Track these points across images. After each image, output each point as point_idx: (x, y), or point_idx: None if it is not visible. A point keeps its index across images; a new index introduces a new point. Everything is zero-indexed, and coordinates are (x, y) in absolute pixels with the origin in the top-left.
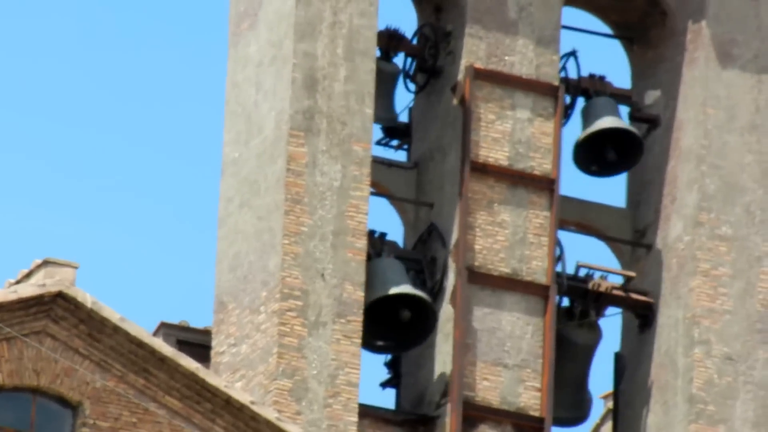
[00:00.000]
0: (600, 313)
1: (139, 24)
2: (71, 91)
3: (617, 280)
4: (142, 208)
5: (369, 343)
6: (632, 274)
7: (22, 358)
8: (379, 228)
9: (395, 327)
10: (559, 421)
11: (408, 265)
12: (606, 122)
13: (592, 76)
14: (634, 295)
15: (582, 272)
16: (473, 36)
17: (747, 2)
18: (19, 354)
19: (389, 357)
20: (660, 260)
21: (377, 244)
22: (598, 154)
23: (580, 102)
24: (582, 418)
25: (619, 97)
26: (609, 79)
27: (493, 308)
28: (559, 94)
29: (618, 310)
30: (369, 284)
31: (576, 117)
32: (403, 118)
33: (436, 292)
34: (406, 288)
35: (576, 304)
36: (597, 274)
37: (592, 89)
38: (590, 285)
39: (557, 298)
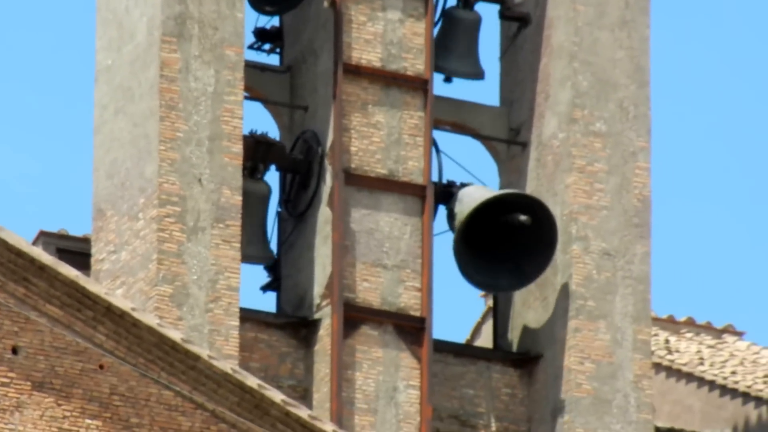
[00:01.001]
0: None
1: None
2: None
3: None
4: (17, 117)
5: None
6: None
7: None
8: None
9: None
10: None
11: (288, 171)
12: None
13: None
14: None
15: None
16: None
17: None
18: None
19: (269, 262)
20: (535, 158)
21: (260, 147)
22: None
23: (451, 2)
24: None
25: None
26: None
27: (370, 209)
28: None
29: None
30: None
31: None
32: (274, 22)
33: (314, 194)
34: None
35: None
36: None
37: None
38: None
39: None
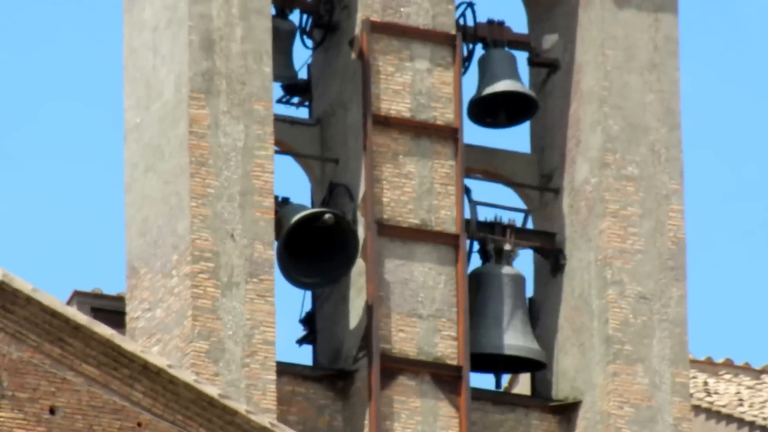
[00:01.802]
0: (513, 256)
1: None
2: None
3: (524, 223)
4: (48, 177)
5: (295, 280)
6: (525, 208)
7: None
8: (285, 186)
9: (317, 262)
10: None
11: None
12: (500, 86)
13: (490, 22)
14: (544, 238)
15: (487, 215)
16: None
17: None
18: None
19: (304, 314)
20: (569, 203)
21: (283, 206)
22: (493, 112)
23: (479, 50)
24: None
25: (517, 43)
26: (506, 25)
27: (404, 260)
28: (457, 43)
29: (529, 252)
30: (279, 231)
31: (474, 66)
32: (303, 75)
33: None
34: (315, 209)
35: (489, 243)
36: (504, 217)
37: (489, 37)
38: (500, 230)
39: (468, 243)
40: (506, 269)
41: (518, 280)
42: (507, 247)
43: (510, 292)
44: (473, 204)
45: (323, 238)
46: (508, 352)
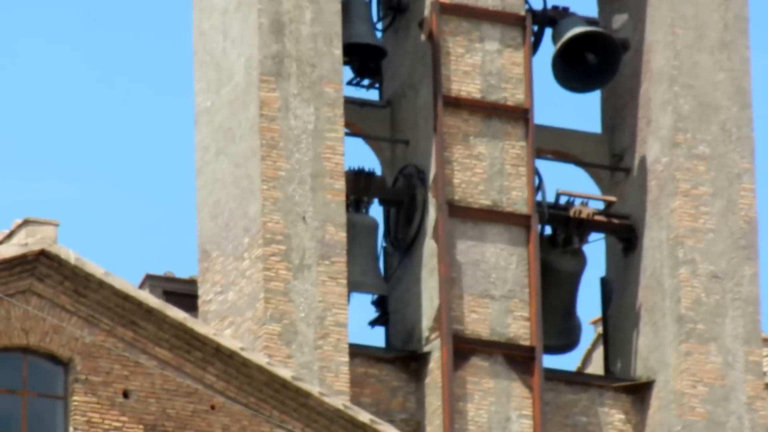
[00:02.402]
0: (583, 240)
1: None
2: (41, 50)
3: (598, 206)
4: (120, 162)
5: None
6: (613, 198)
7: (9, 318)
8: (356, 167)
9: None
10: (549, 350)
11: (390, 204)
12: (579, 30)
13: (555, 8)
14: (616, 220)
15: (562, 200)
16: None
17: None
18: (6, 314)
19: (376, 296)
20: (639, 183)
21: (361, 180)
22: (577, 65)
23: (548, 33)
24: (572, 345)
25: (586, 23)
26: (575, 6)
27: (476, 241)
28: (527, 23)
29: (601, 235)
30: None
31: (543, 49)
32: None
33: (418, 228)
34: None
35: (559, 232)
36: (578, 201)
37: (558, 18)
38: (571, 212)
39: (539, 227)
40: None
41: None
42: (575, 242)
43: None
44: (541, 187)
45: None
46: None
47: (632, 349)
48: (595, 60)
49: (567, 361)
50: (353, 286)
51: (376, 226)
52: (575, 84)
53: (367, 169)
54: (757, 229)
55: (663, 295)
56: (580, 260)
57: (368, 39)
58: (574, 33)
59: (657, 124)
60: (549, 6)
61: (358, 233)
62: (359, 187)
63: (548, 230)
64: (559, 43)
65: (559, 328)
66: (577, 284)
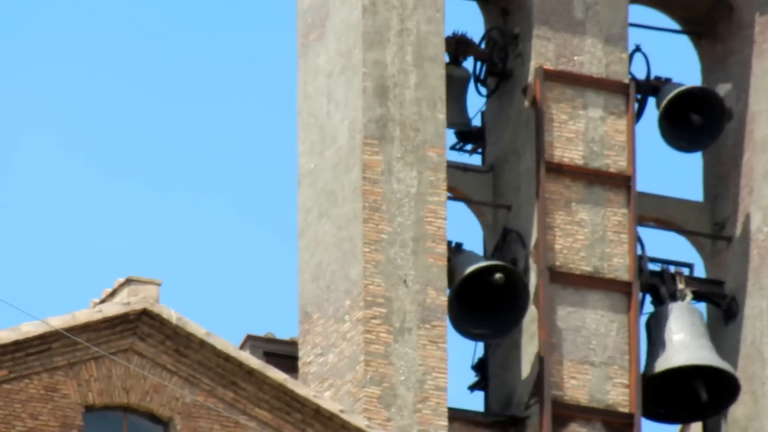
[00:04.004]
0: (686, 296)
1: (210, 40)
2: (149, 106)
3: (698, 273)
4: (222, 222)
5: (465, 330)
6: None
7: (110, 377)
8: (458, 232)
9: (487, 313)
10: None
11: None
12: (684, 88)
13: (659, 78)
14: (716, 287)
15: (657, 266)
16: (541, 37)
17: None
18: (108, 372)
19: (476, 360)
20: (741, 252)
21: (456, 253)
22: (683, 124)
23: (651, 102)
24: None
25: None
26: (678, 77)
27: (576, 307)
28: (630, 91)
29: (702, 304)
30: (452, 279)
31: (646, 117)
32: (476, 122)
33: (519, 293)
34: (487, 262)
35: (663, 292)
36: (671, 268)
37: (661, 87)
38: (673, 278)
39: (640, 294)
40: (680, 304)
41: (695, 312)
42: (680, 286)
43: (689, 321)
44: (644, 255)
45: (494, 289)
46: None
47: (731, 419)
48: (700, 120)
49: (666, 429)
50: None
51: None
52: (682, 143)
53: (458, 242)
54: None
55: (763, 364)
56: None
57: (460, 121)
58: (679, 90)
59: (759, 194)
60: (654, 69)
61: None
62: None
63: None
64: (665, 100)
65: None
66: None
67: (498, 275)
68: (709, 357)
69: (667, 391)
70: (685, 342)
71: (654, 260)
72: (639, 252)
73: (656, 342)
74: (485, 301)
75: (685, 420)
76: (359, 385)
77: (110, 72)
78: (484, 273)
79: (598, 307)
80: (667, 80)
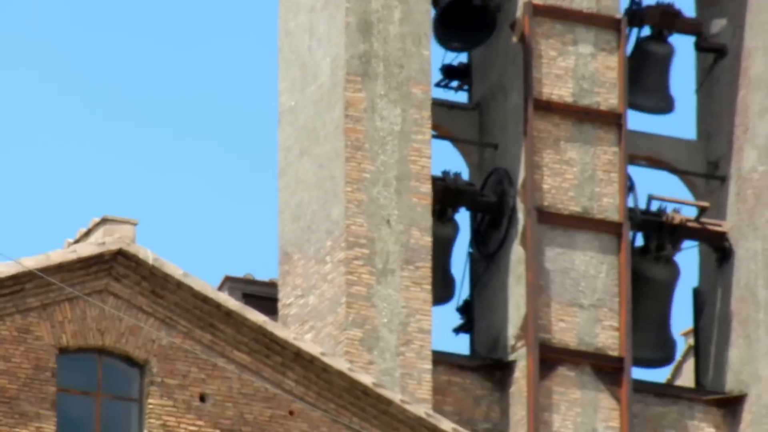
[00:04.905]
0: (676, 248)
1: None
2: (127, 45)
3: (691, 213)
4: (200, 161)
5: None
6: (706, 204)
7: (85, 318)
8: (443, 171)
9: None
10: (642, 362)
11: (477, 209)
12: None
13: (658, 5)
14: (711, 226)
15: (654, 206)
16: None
17: None
18: (82, 314)
19: (461, 302)
20: (735, 192)
21: (449, 185)
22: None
23: (645, 33)
24: (666, 360)
25: (685, 26)
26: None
27: (565, 248)
28: (622, 26)
29: (694, 243)
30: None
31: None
32: (462, 58)
33: (506, 233)
34: None
35: (651, 239)
36: (670, 208)
37: (655, 22)
38: (664, 218)
39: (630, 234)
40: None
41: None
42: (668, 250)
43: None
44: (633, 193)
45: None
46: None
47: (724, 362)
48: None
49: (656, 373)
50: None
51: (453, 237)
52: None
53: (454, 173)
54: None
55: (757, 306)
56: (673, 269)
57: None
58: None
59: (754, 132)
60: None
61: (433, 244)
62: (447, 197)
63: (640, 239)
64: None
65: (652, 340)
66: (671, 294)
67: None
68: None
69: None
70: None
71: (658, 198)
72: (631, 192)
73: None
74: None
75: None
76: (341, 328)
77: (90, 10)
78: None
79: (587, 248)
80: (668, 6)
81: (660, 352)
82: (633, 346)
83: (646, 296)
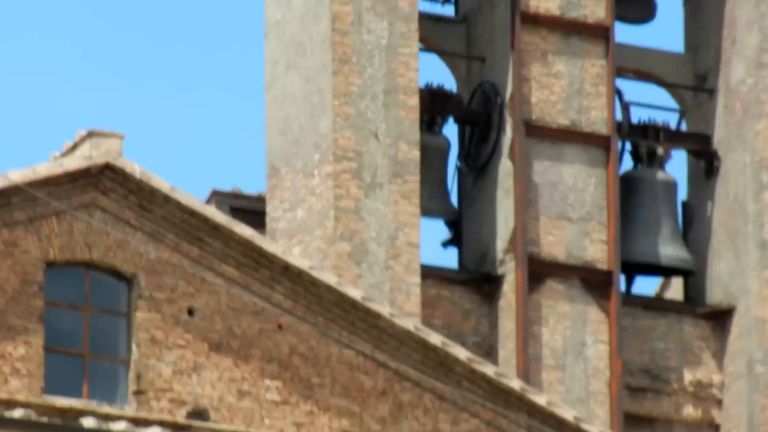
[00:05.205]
0: (666, 154)
1: None
2: None
3: (678, 124)
4: (187, 74)
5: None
6: (681, 109)
7: (72, 232)
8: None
9: None
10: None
11: (465, 123)
12: None
13: None
14: (698, 143)
15: (640, 117)
16: None
17: None
18: (69, 228)
19: (451, 216)
20: (723, 104)
21: (436, 98)
22: None
23: None
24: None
25: None
26: None
27: (553, 161)
28: None
29: (682, 153)
30: None
31: None
32: None
33: (494, 147)
34: None
35: (641, 147)
36: (658, 119)
37: None
38: (650, 127)
39: (619, 144)
40: (659, 174)
41: (670, 186)
42: (660, 150)
43: (662, 198)
44: (625, 105)
45: None
46: (660, 261)
47: (713, 275)
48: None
49: (645, 287)
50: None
51: (447, 147)
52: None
53: (440, 86)
54: None
55: (746, 219)
56: (667, 175)
57: None
58: None
59: (742, 44)
60: None
61: (428, 155)
62: (435, 106)
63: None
64: None
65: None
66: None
67: None
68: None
69: None
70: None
71: (642, 105)
72: (619, 105)
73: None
74: None
75: None
76: (329, 242)
77: None
78: None
79: (575, 161)
80: None
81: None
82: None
83: (642, 198)
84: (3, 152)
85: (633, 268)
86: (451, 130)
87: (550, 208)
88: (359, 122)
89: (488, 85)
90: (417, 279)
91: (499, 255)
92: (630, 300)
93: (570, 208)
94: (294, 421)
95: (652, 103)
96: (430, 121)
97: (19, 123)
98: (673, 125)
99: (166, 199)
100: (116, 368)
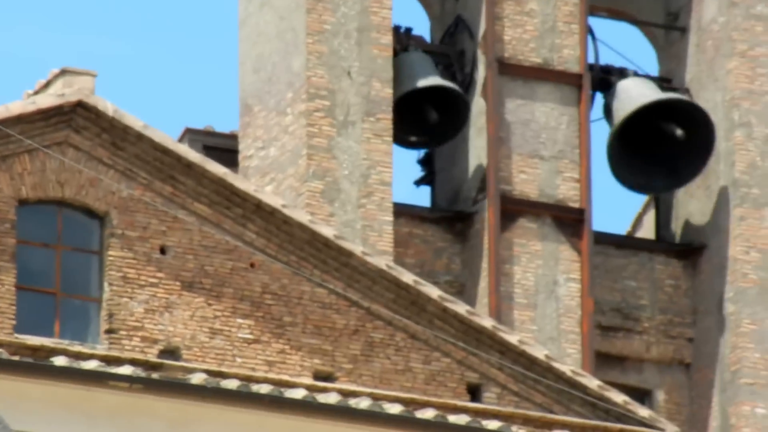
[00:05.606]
0: None
1: None
2: None
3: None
4: (159, 11)
5: (401, 139)
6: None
7: (44, 170)
8: (404, 23)
9: (427, 123)
10: None
11: (436, 60)
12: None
13: None
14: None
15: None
16: None
17: None
18: (42, 166)
19: (422, 154)
20: (695, 43)
21: (403, 39)
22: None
23: None
24: None
25: None
26: None
27: (525, 99)
28: None
29: None
30: (396, 80)
31: None
32: None
33: (467, 85)
34: (435, 80)
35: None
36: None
37: None
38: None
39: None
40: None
41: None
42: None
43: None
44: (596, 43)
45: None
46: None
47: (684, 214)
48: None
49: (617, 225)
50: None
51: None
52: None
53: (407, 27)
54: None
55: (717, 157)
56: None
57: None
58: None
59: None
60: None
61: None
62: (406, 44)
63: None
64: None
65: None
66: None
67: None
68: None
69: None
70: None
71: (616, 51)
72: (590, 43)
73: None
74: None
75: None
76: (301, 180)
77: None
78: (426, 93)
79: (547, 99)
80: None
81: None
82: None
83: None
84: None
85: None
86: None
87: (523, 146)
88: (332, 60)
89: (461, 23)
90: (389, 217)
91: (472, 193)
92: (602, 238)
93: (542, 147)
94: (266, 360)
95: (624, 41)
96: None
97: None
98: (645, 66)
99: (139, 137)
100: (88, 307)
